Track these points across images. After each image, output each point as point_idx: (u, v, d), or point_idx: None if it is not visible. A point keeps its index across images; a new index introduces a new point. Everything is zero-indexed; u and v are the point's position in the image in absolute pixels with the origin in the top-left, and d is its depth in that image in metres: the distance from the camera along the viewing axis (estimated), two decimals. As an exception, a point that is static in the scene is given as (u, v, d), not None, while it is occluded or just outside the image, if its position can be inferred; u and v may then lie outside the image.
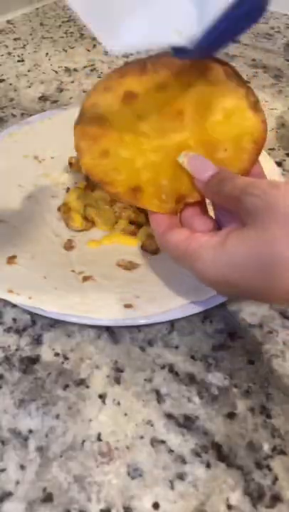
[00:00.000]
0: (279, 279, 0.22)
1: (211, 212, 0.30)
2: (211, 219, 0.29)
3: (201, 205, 0.30)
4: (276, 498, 0.24)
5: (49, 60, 0.66)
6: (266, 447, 0.26)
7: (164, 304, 0.31)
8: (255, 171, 0.30)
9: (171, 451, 0.26)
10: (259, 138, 0.30)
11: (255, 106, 0.31)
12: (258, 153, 0.30)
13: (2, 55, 0.67)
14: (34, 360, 0.30)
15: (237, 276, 0.23)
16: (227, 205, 0.26)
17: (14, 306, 0.33)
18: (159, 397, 0.29)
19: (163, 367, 0.30)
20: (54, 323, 0.32)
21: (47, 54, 0.68)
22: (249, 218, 0.23)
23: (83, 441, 0.27)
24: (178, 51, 0.22)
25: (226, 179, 0.26)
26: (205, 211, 0.30)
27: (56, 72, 0.63)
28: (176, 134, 0.30)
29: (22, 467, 0.26)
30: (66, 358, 0.31)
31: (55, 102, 0.57)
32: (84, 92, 0.59)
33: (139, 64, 0.32)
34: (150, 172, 0.30)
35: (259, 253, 0.22)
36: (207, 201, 0.30)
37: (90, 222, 0.39)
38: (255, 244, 0.23)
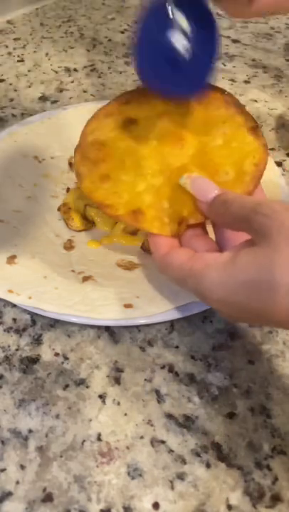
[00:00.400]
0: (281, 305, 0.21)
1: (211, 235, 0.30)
2: (212, 241, 0.29)
3: (202, 226, 0.29)
4: (276, 498, 0.24)
5: (49, 60, 0.66)
6: (266, 447, 0.26)
7: (164, 304, 0.31)
8: (257, 195, 0.30)
9: (171, 451, 0.26)
10: (260, 160, 0.30)
11: (255, 131, 0.31)
12: (260, 175, 0.30)
13: (2, 55, 0.67)
14: (34, 360, 0.30)
15: (247, 298, 0.22)
16: (233, 226, 0.26)
17: (14, 306, 0.33)
18: (159, 397, 0.29)
19: (163, 367, 0.30)
20: (54, 323, 0.32)
21: (47, 54, 0.68)
22: (260, 238, 0.23)
23: (83, 441, 0.27)
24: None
25: (231, 200, 0.25)
26: (206, 233, 0.30)
27: (56, 72, 0.63)
28: (176, 159, 0.31)
29: (22, 467, 0.26)
30: (66, 358, 0.31)
31: (55, 102, 0.57)
32: (84, 92, 0.59)
33: (139, 92, 0.33)
34: (151, 195, 0.30)
35: (273, 276, 0.21)
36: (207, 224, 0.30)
37: (90, 222, 0.39)
38: (268, 265, 0.21)
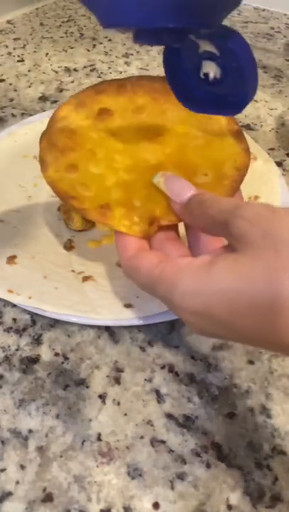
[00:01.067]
0: (278, 323, 0.18)
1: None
2: (185, 246, 0.26)
3: (174, 229, 0.27)
4: (276, 498, 0.24)
5: (49, 60, 0.66)
6: (266, 447, 0.26)
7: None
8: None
9: (171, 451, 0.26)
10: (242, 165, 0.29)
11: (238, 135, 0.30)
12: (241, 180, 0.29)
13: (2, 55, 0.67)
14: (34, 360, 0.30)
15: (224, 310, 0.20)
16: (210, 230, 0.23)
17: (14, 306, 0.33)
18: (159, 397, 0.29)
19: (163, 367, 0.30)
20: (54, 323, 0.32)
21: (47, 54, 0.68)
22: (240, 244, 0.20)
23: (83, 441, 0.27)
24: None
25: (208, 201, 0.23)
26: (179, 237, 0.27)
27: (56, 72, 0.63)
28: (152, 156, 0.29)
29: (22, 467, 0.26)
30: (66, 358, 0.31)
31: (55, 102, 0.57)
32: (84, 92, 0.59)
33: (117, 84, 0.31)
34: (122, 191, 0.28)
35: (254, 287, 0.19)
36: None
37: (90, 222, 0.39)
38: (249, 275, 0.19)
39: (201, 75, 0.25)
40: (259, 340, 0.20)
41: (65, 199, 0.28)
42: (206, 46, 0.23)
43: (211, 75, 0.24)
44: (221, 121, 0.30)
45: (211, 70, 0.24)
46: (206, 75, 0.25)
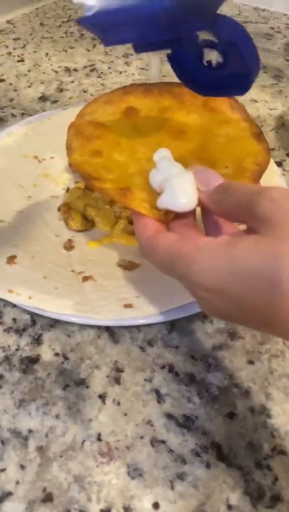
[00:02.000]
0: (281, 303, 0.18)
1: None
2: (202, 232, 0.27)
3: (192, 216, 0.27)
4: (276, 498, 0.24)
5: (49, 60, 0.66)
6: (266, 447, 0.26)
7: (164, 304, 0.31)
8: None
9: (171, 451, 0.26)
10: (262, 161, 0.30)
11: (259, 137, 0.31)
12: (261, 173, 0.29)
13: (2, 55, 0.67)
14: (34, 360, 0.30)
15: (240, 288, 0.19)
16: (233, 215, 0.24)
17: (14, 306, 0.33)
18: (159, 397, 0.29)
19: (163, 367, 0.30)
20: (54, 323, 0.32)
21: (47, 54, 0.68)
22: (263, 226, 0.20)
23: (83, 441, 0.27)
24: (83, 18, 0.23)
25: (234, 186, 0.24)
26: (196, 225, 0.27)
27: (56, 72, 0.63)
28: (175, 150, 0.30)
29: (22, 467, 0.26)
30: (66, 358, 0.31)
31: (55, 102, 0.57)
32: (84, 92, 0.59)
33: (145, 87, 0.34)
34: (143, 179, 0.29)
35: (276, 267, 0.18)
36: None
37: (90, 222, 0.39)
38: (271, 255, 0.18)
39: (204, 63, 0.27)
40: (272, 325, 0.20)
41: (87, 180, 0.29)
42: (204, 35, 0.25)
43: (214, 62, 0.26)
44: (242, 123, 0.32)
45: (212, 56, 0.26)
46: (209, 62, 0.26)
